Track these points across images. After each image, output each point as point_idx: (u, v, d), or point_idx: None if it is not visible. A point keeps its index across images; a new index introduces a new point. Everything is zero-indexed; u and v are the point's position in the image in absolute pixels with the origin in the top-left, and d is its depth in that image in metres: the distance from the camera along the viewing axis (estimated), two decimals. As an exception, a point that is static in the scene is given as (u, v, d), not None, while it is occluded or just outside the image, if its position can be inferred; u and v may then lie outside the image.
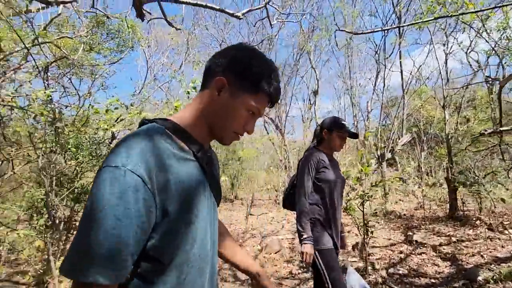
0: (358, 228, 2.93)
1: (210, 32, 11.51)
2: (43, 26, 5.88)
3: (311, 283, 2.83)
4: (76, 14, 6.82)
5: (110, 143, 5.18)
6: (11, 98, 4.26)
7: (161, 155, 0.56)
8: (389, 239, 3.67)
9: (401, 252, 3.31)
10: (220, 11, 3.09)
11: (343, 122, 1.77)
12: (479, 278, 2.42)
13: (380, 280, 2.66)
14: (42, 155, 5.77)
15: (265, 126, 13.40)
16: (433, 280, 2.63)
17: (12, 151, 6.33)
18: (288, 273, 3.12)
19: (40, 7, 5.44)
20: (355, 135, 1.78)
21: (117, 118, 5.37)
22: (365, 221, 2.81)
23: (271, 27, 4.43)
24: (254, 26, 7.03)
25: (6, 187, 6.65)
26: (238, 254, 0.91)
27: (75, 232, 0.55)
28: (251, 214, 6.14)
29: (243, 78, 0.66)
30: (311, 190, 1.69)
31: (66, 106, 5.02)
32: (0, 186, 6.55)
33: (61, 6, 5.00)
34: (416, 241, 3.54)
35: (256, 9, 4.01)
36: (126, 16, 5.75)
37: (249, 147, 13.35)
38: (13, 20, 5.67)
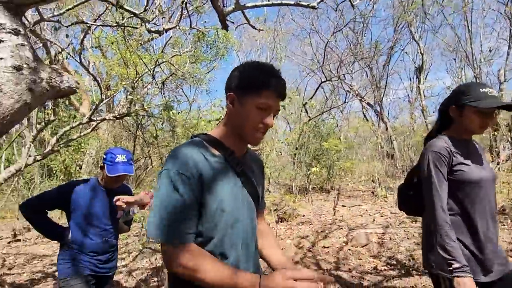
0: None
1: (298, 22, 11.50)
2: (161, 48, 7.29)
3: (396, 281, 2.67)
4: (183, 35, 8.12)
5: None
6: (148, 109, 5.64)
7: (197, 161, 0.78)
8: (510, 242, 2.97)
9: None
10: (295, 5, 3.19)
11: (483, 89, 1.15)
12: None
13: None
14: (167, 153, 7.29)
15: (363, 112, 12.45)
16: None
17: (149, 149, 8.26)
18: (373, 268, 3.02)
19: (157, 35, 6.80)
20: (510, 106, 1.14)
21: (219, 119, 6.28)
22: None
23: (353, 8, 4.17)
24: (336, 10, 6.62)
25: (150, 177, 8.72)
26: (265, 248, 0.98)
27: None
28: (342, 206, 6.01)
29: (243, 87, 0.82)
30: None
31: (178, 113, 6.18)
32: (145, 177, 8.66)
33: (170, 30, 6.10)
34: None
35: (333, -6, 3.85)
36: (217, 29, 6.53)
37: (348, 136, 12.71)
38: (141, 49, 7.29)
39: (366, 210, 5.26)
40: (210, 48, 8.02)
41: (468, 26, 8.29)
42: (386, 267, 2.98)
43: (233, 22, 3.92)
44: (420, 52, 7.50)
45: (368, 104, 11.17)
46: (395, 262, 3.04)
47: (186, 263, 0.73)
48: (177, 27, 4.78)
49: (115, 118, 6.15)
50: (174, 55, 7.12)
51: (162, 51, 7.30)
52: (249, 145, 0.94)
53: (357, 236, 3.74)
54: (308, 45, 11.55)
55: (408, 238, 3.57)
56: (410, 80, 11.80)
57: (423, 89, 10.47)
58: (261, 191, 0.97)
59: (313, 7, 3.05)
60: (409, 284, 2.54)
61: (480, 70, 8.27)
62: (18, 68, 0.89)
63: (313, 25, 11.22)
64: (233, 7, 2.75)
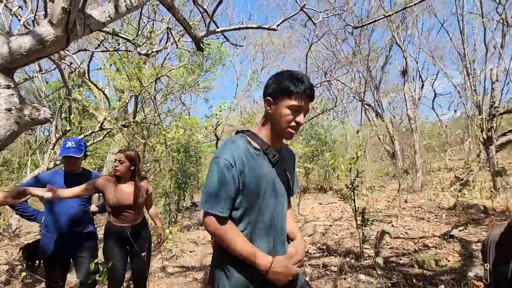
0: (354, 216, 3.00)
1: (297, 29, 12.00)
2: (161, 63, 8.21)
3: (314, 261, 3.18)
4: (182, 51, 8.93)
5: (217, 142, 7.06)
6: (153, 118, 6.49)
7: (241, 153, 0.97)
8: (423, 230, 3.34)
9: (425, 246, 3.04)
10: (258, 28, 3.71)
11: None
12: (470, 274, 2.16)
13: (371, 263, 2.74)
14: (172, 156, 8.10)
15: (365, 112, 12.62)
16: (431, 273, 2.48)
17: (156, 153, 9.02)
18: (305, 252, 3.54)
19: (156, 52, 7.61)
20: None
21: (216, 124, 7.08)
22: (358, 210, 2.88)
23: (315, 26, 4.66)
24: (305, 26, 7.04)
25: (159, 178, 9.60)
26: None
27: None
28: (320, 203, 6.47)
29: (276, 92, 1.00)
30: None
31: (170, 122, 6.99)
32: (153, 178, 9.53)
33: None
34: (452, 235, 3.09)
35: (291, 16, 4.17)
36: (208, 44, 7.33)
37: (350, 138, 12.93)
38: (144, 66, 8.20)
39: (336, 207, 5.70)
40: (206, 60, 8.84)
41: (461, 24, 8.21)
42: (315, 251, 3.50)
43: (209, 44, 4.57)
44: (403, 56, 7.68)
45: (367, 105, 11.40)
46: (324, 247, 3.54)
47: (216, 230, 0.95)
48: (164, 49, 5.55)
49: (122, 127, 7.11)
50: (171, 69, 7.98)
51: (162, 66, 8.22)
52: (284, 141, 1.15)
53: (306, 228, 4.26)
54: (311, 52, 11.99)
55: (347, 229, 4.03)
56: (413, 80, 11.81)
57: (423, 92, 10.35)
58: (293, 180, 1.15)
59: (273, 29, 3.59)
60: (321, 262, 3.06)
61: (472, 69, 8.17)
62: (8, 109, 1.28)
63: (314, 32, 11.68)
64: (205, 32, 3.35)
